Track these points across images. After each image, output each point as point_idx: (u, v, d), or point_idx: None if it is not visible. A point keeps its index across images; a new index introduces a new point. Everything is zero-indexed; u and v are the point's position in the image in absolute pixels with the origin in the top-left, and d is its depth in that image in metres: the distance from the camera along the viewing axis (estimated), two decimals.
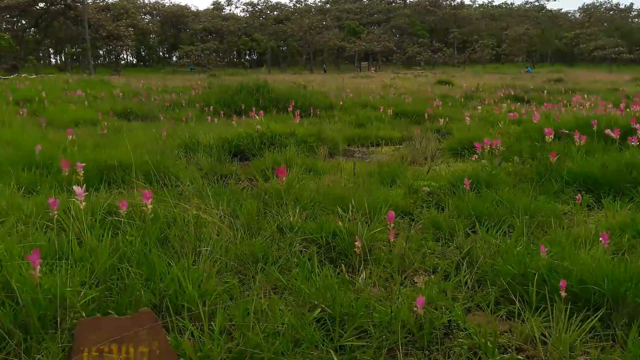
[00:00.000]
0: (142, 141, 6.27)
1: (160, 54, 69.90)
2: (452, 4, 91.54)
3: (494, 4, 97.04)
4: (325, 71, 59.05)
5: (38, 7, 46.85)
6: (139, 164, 4.59)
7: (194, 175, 4.92)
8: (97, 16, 47.83)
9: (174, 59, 69.90)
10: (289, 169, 4.81)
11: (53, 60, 69.08)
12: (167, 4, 68.16)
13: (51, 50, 66.18)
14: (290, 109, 10.60)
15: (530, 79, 35.82)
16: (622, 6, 79.59)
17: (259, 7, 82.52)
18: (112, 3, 55.88)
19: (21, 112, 9.28)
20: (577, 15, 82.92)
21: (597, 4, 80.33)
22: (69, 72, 39.95)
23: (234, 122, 8.74)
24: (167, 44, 70.33)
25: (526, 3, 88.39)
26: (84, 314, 1.87)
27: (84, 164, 3.16)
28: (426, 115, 9.17)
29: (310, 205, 3.31)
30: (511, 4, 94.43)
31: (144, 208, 2.64)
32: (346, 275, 2.38)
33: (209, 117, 9.12)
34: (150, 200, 2.61)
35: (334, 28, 71.05)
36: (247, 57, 79.43)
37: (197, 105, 10.84)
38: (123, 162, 4.57)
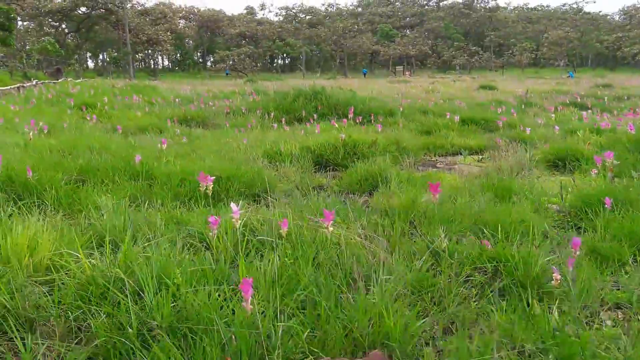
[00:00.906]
0: (223, 150, 6.17)
1: (195, 58, 71.05)
2: (487, 7, 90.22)
3: (529, 6, 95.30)
4: (365, 75, 58.77)
5: (80, 12, 48.27)
6: (238, 176, 4.48)
7: (287, 188, 4.78)
8: (136, 20, 48.95)
9: (209, 63, 71.06)
10: (386, 182, 4.61)
11: (91, 65, 71.19)
12: (202, 9, 69.36)
13: (88, 55, 68.06)
14: (350, 115, 10.43)
15: (575, 84, 34.61)
16: None
17: (293, 11, 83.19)
18: (150, 8, 57.12)
19: (88, 118, 9.39)
20: (617, 17, 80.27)
21: (639, 5, 77.50)
22: (109, 77, 40.96)
23: (299, 129, 8.64)
24: (201, 49, 71.51)
25: (563, 5, 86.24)
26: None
27: (213, 177, 3.02)
28: (500, 122, 8.81)
29: (450, 224, 3.08)
30: (547, 6, 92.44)
31: (280, 228, 2.47)
32: (537, 310, 2.14)
33: (275, 125, 8.99)
34: (286, 222, 2.43)
35: (367, 32, 70.74)
36: (279, 61, 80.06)
37: (257, 112, 10.75)
38: (221, 173, 4.45)
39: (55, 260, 2.47)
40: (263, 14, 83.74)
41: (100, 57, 72.11)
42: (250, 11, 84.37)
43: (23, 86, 18.21)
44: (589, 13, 78.15)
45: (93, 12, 45.83)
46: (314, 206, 3.42)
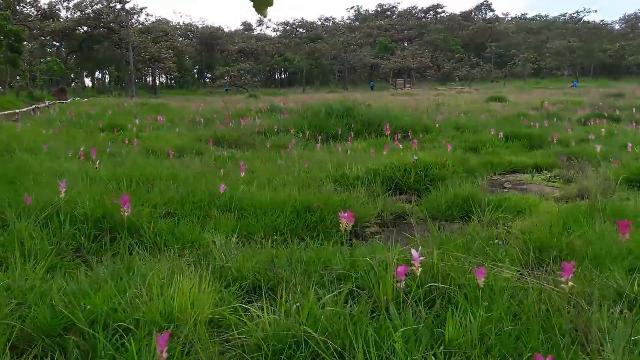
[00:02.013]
0: (284, 174, 5.92)
1: (193, 74, 71.26)
2: (485, 18, 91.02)
3: (527, 16, 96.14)
4: (372, 88, 58.76)
5: (81, 31, 48.39)
6: (330, 205, 4.25)
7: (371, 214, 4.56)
8: (138, 39, 49.09)
9: (207, 79, 71.24)
10: (480, 208, 4.38)
11: (88, 83, 71.19)
12: (201, 26, 69.59)
13: (85, 73, 68.09)
14: (387, 132, 10.26)
15: (584, 94, 34.48)
16: None
17: (291, 27, 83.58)
18: (151, 26, 57.30)
19: (125, 141, 9.18)
20: (617, 26, 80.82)
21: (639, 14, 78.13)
22: (110, 95, 40.86)
23: (335, 148, 8.44)
24: (200, 65, 71.65)
25: (563, 15, 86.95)
26: None
27: (352, 215, 2.79)
28: (553, 139, 8.63)
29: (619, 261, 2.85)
30: (546, 16, 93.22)
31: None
32: None
33: (318, 144, 8.80)
34: (483, 271, 2.21)
35: (366, 45, 71.16)
36: (277, 76, 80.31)
37: (291, 130, 10.55)
38: (313, 202, 4.23)
39: (217, 314, 2.24)
40: (260, 30, 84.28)
41: (97, 75, 72.23)
42: (248, 27, 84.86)
43: (38, 107, 18.06)
44: (588, 22, 78.76)
45: (94, 31, 45.98)
46: (460, 243, 3.14)
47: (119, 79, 47.66)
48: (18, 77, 26.31)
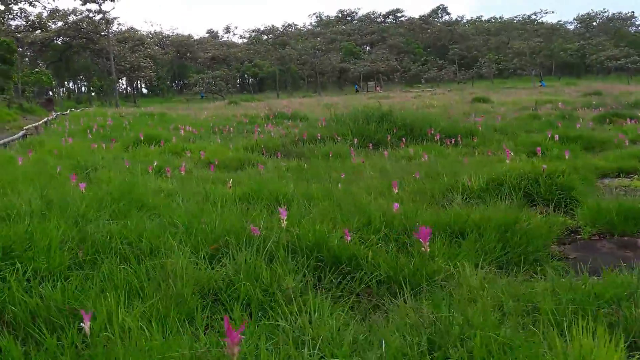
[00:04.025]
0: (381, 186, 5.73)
1: (167, 83, 69.85)
2: (443, 21, 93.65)
3: (483, 18, 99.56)
4: (357, 91, 59.01)
5: (60, 42, 46.78)
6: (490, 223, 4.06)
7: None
8: (117, 48, 47.86)
9: (181, 87, 69.77)
10: None
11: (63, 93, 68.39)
12: (170, 34, 68.29)
13: (66, 84, 65.61)
14: (437, 137, 10.29)
15: (560, 93, 35.59)
16: (625, 15, 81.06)
17: (257, 33, 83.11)
18: (129, 35, 55.89)
19: (187, 154, 8.80)
20: (571, 27, 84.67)
21: (593, 13, 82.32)
22: (92, 105, 39.45)
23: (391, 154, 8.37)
24: (172, 73, 70.20)
25: (516, 16, 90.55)
26: None
27: None
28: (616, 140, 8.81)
29: None
30: (500, 18, 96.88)
31: None
32: None
33: (386, 152, 8.68)
34: None
35: (334, 50, 71.75)
36: (248, 82, 79.57)
37: (338, 138, 10.38)
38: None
39: None
40: (227, 37, 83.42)
41: (71, 85, 69.46)
42: (214, 35, 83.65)
43: (48, 119, 17.31)
44: (542, 23, 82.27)
45: (74, 41, 44.58)
46: None
47: (101, 88, 46.16)
48: (5, 89, 25.03)
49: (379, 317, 2.75)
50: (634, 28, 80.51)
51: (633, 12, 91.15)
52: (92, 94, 59.73)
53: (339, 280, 3.11)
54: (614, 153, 8.16)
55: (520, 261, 3.54)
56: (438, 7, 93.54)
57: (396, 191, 4.80)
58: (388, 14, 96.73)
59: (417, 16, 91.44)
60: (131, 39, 56.95)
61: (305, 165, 7.48)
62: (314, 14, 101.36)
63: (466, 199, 5.31)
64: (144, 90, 75.06)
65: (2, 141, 11.93)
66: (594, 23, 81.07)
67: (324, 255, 3.30)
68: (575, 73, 73.49)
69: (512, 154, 7.26)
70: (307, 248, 3.34)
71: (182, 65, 67.63)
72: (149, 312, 2.55)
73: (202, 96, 55.72)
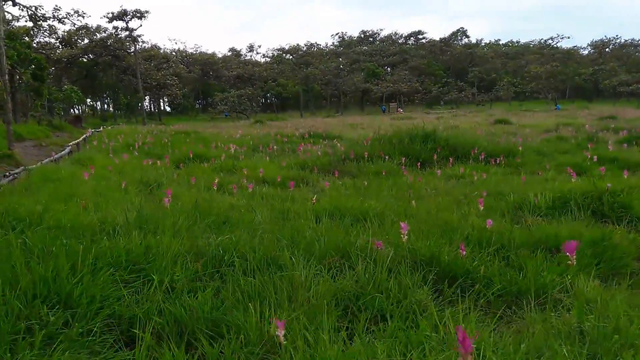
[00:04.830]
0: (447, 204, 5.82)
1: (191, 101, 71.12)
2: (463, 44, 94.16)
3: (501, 42, 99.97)
4: (384, 111, 59.44)
5: (85, 59, 47.91)
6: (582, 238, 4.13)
7: None
8: (144, 66, 48.85)
9: (206, 105, 70.87)
10: None
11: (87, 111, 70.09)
12: (194, 52, 69.64)
13: (89, 101, 67.13)
14: (482, 157, 10.36)
15: (579, 116, 35.59)
16: (637, 41, 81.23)
17: (280, 52, 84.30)
18: (151, 50, 57.12)
19: (244, 171, 8.97)
20: (585, 52, 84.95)
21: (606, 40, 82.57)
22: (120, 123, 40.27)
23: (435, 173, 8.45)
24: (196, 91, 71.47)
25: (532, 41, 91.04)
26: None
27: None
28: None
29: None
30: (517, 42, 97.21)
31: None
32: None
33: (438, 171, 8.75)
34: None
35: (357, 70, 72.49)
36: (271, 101, 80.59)
37: (386, 157, 10.50)
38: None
39: None
40: (250, 56, 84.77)
41: (95, 103, 71.20)
42: (237, 53, 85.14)
43: (87, 136, 17.76)
44: (556, 48, 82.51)
45: (100, 59, 45.62)
46: None
47: (128, 106, 47.03)
48: (39, 105, 25.78)
49: (509, 327, 2.83)
50: None
51: None
52: (117, 111, 61.01)
53: (455, 292, 3.20)
54: None
55: (613, 274, 3.65)
56: (458, 30, 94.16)
57: (482, 208, 4.87)
58: (409, 35, 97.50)
59: (437, 38, 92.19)
60: (156, 57, 58.25)
61: (366, 183, 7.57)
62: (337, 34, 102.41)
63: (535, 215, 5.45)
64: (167, 109, 76.60)
65: (54, 157, 12.30)
66: (607, 49, 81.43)
67: (438, 269, 3.40)
68: (587, 97, 73.66)
69: (574, 174, 7.30)
70: (422, 262, 3.44)
71: (206, 84, 68.84)
72: (296, 321, 2.64)
73: (226, 115, 56.45)
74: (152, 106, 65.41)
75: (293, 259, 3.38)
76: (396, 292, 3.00)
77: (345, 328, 2.73)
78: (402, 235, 3.40)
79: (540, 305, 3.09)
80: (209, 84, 68.02)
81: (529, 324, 2.81)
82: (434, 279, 3.29)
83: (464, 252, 3.44)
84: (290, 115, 57.64)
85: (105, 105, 74.06)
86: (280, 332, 2.06)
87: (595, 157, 9.71)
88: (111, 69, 49.57)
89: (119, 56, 45.67)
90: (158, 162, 10.72)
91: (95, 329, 2.56)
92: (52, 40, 47.38)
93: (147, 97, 56.51)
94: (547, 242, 4.13)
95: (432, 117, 43.75)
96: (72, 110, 45.18)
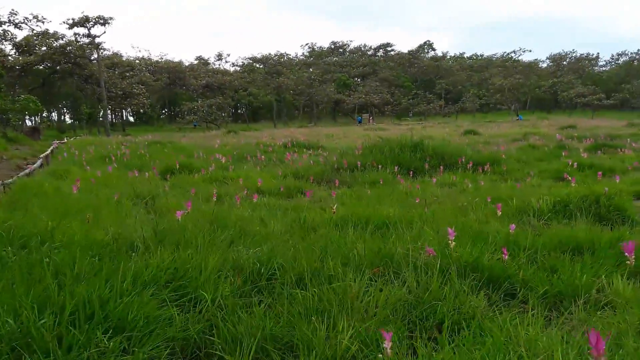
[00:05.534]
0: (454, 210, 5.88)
1: (157, 110, 69.50)
2: (429, 56, 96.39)
3: (465, 55, 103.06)
4: (360, 122, 59.71)
5: (41, 67, 45.80)
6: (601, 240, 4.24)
7: None
8: (107, 74, 47.17)
9: (173, 115, 69.49)
10: None
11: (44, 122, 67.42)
12: (159, 60, 68.14)
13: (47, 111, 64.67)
14: (469, 165, 10.54)
15: (540, 126, 37.14)
16: (592, 56, 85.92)
17: (247, 61, 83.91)
18: (113, 58, 55.42)
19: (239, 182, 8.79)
20: (543, 65, 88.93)
21: (563, 53, 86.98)
22: (82, 134, 38.91)
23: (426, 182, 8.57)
24: (162, 101, 69.97)
25: (494, 54, 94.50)
26: None
27: None
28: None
29: None
30: (481, 55, 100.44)
31: None
32: None
33: (434, 179, 8.84)
34: None
35: (329, 81, 73.01)
36: (242, 111, 79.92)
37: (379, 166, 10.53)
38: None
39: None
40: (219, 64, 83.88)
41: (53, 114, 68.73)
42: (205, 62, 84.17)
43: (54, 148, 17.01)
44: (518, 61, 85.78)
45: (59, 67, 43.69)
46: None
47: (90, 116, 45.21)
48: None
49: (561, 328, 2.84)
50: (597, 68, 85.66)
51: (598, 53, 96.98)
52: (77, 122, 58.70)
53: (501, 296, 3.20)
54: (629, 178, 8.59)
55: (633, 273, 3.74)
56: (425, 43, 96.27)
57: (500, 213, 4.92)
58: (378, 47, 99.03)
59: (405, 51, 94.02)
60: (121, 65, 56.51)
61: (369, 192, 7.56)
62: (307, 44, 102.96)
63: (540, 219, 5.58)
64: (131, 119, 74.72)
65: (26, 171, 11.76)
66: (564, 62, 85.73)
67: (480, 274, 3.39)
68: (547, 108, 77.33)
69: (573, 179, 7.53)
70: (466, 267, 3.42)
71: (173, 93, 67.57)
72: (362, 334, 2.56)
73: (195, 125, 55.56)
74: (114, 117, 63.49)
75: (340, 269, 3.29)
76: (452, 299, 2.96)
77: (409, 338, 2.67)
78: (449, 242, 3.37)
79: (581, 305, 3.12)
80: (176, 93, 66.79)
81: (580, 324, 2.84)
82: (477, 284, 3.28)
83: (506, 257, 3.44)
84: (262, 125, 57.37)
85: (62, 116, 71.51)
86: (388, 345, 1.98)
87: (575, 164, 10.14)
88: (71, 77, 47.54)
89: (80, 64, 43.79)
90: (146, 173, 10.39)
91: (160, 354, 2.39)
92: (7, 47, 45.23)
93: (116, 108, 54.86)
94: (568, 244, 4.20)
95: (404, 128, 44.50)
96: (26, 121, 43.10)
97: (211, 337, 2.60)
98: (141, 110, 62.49)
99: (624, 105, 69.31)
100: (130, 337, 2.45)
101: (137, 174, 10.19)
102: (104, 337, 2.38)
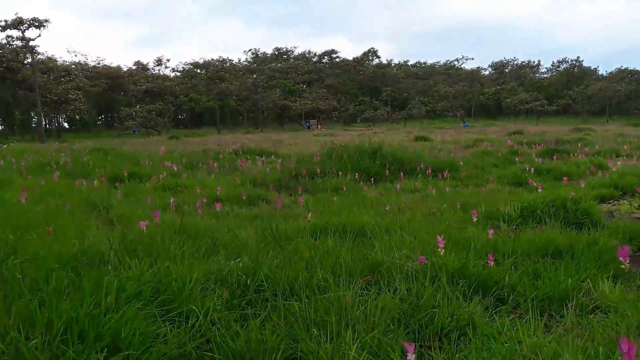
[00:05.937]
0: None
1: (94, 116, 66.23)
2: (374, 64, 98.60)
3: (409, 63, 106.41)
4: (309, 128, 59.49)
5: None
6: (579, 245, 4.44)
7: None
8: (41, 79, 44.43)
9: (111, 121, 66.43)
10: None
11: None
12: (97, 65, 65.28)
13: None
14: (429, 171, 10.75)
15: (488, 132, 38.79)
16: (533, 63, 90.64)
17: (190, 67, 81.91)
18: (48, 62, 52.36)
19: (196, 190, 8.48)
20: (486, 72, 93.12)
21: (505, 61, 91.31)
22: (15, 141, 36.47)
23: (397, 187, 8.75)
24: (99, 107, 66.81)
25: (437, 62, 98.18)
26: None
27: None
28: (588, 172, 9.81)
29: None
30: (424, 63, 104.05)
31: None
32: None
33: (395, 185, 8.94)
34: None
35: (276, 87, 72.78)
36: (182, 116, 77.92)
37: (339, 173, 10.51)
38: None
39: None
40: (158, 70, 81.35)
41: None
42: (144, 67, 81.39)
43: None
44: (461, 68, 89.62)
45: None
46: None
47: (22, 122, 42.21)
48: None
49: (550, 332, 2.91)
50: (538, 75, 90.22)
51: (539, 60, 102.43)
52: (6, 129, 54.88)
53: (491, 302, 3.24)
54: (588, 182, 8.92)
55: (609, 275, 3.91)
56: (369, 50, 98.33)
57: (475, 220, 5.03)
58: (323, 54, 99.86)
59: (351, 58, 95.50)
60: (56, 69, 53.68)
61: (335, 199, 7.52)
62: (250, 50, 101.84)
63: (510, 225, 5.72)
64: (66, 125, 70.89)
65: None
66: (506, 70, 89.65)
67: (467, 280, 3.43)
68: (491, 114, 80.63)
69: (540, 186, 7.81)
70: (453, 274, 3.45)
71: (111, 98, 64.82)
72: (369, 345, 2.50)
73: (134, 131, 53.50)
74: (48, 123, 59.96)
75: (329, 279, 3.22)
76: (447, 306, 2.96)
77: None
78: (437, 249, 3.39)
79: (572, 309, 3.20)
80: (114, 98, 64.15)
81: (571, 328, 2.91)
82: (467, 291, 3.31)
83: (492, 263, 3.50)
84: (205, 131, 56.07)
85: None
86: (411, 357, 1.93)
87: (532, 169, 10.53)
88: (3, 83, 44.59)
89: (13, 68, 41.13)
90: (95, 182, 9.82)
91: None
92: None
93: (51, 114, 51.75)
94: (548, 249, 4.32)
95: (354, 134, 44.91)
96: None
97: (210, 354, 2.46)
98: (77, 117, 59.30)
99: (567, 111, 73.32)
100: (127, 357, 2.26)
101: (84, 183, 9.63)
102: (100, 356, 2.19)
